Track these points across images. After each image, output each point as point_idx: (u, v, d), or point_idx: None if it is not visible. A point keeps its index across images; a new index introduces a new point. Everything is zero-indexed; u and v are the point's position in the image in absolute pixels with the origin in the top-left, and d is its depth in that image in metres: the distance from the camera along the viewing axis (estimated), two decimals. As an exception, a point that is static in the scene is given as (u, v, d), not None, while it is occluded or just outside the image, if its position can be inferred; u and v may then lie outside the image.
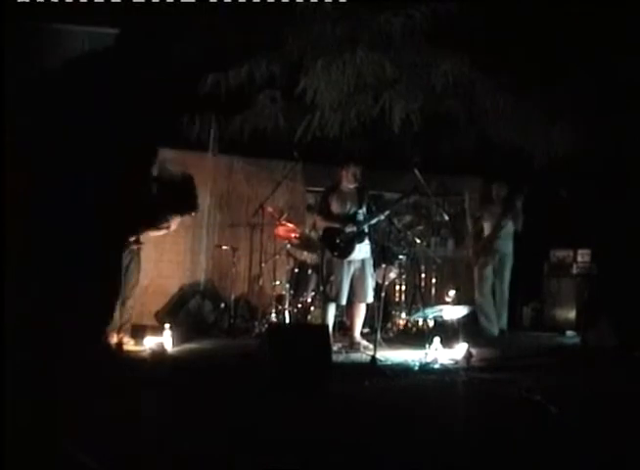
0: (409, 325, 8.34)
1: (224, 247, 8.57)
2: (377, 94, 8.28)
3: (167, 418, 4.43)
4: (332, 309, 7.13)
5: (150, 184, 6.83)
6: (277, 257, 8.31)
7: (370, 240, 7.08)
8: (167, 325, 6.75)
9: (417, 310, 8.04)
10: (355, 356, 6.77)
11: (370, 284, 7.12)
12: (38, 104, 5.69)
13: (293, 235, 8.01)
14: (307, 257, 8.42)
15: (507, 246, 8.25)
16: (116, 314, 6.93)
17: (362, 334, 7.31)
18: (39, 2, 6.94)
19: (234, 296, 8.29)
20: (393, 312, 8.27)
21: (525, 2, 8.03)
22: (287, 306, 7.86)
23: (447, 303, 7.09)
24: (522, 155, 8.70)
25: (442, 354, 6.44)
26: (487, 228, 8.33)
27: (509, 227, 8.21)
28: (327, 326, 6.50)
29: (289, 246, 8.19)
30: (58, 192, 5.54)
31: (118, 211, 5.74)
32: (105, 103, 5.95)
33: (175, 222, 7.13)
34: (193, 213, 7.42)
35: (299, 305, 8.01)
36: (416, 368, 6.10)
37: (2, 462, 3.26)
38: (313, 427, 4.28)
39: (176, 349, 6.72)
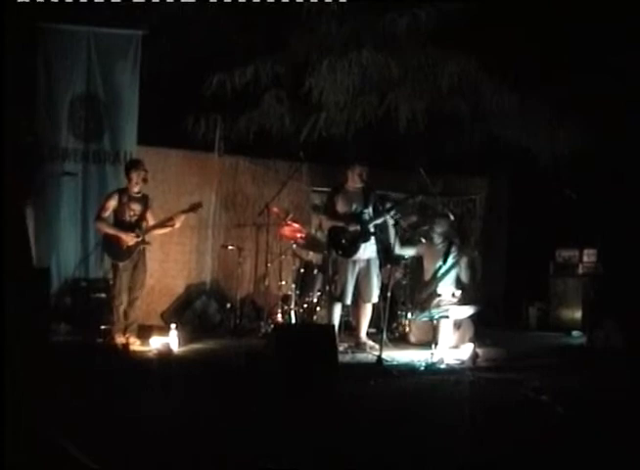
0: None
1: (230, 247, 8.57)
2: (382, 94, 8.29)
3: (171, 418, 4.44)
4: (338, 309, 7.13)
5: None
6: (283, 257, 8.30)
7: (376, 240, 7.08)
8: (173, 325, 6.77)
9: (423, 311, 8.02)
10: (361, 356, 6.78)
11: (375, 284, 7.11)
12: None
13: (298, 235, 8.00)
14: (313, 257, 8.42)
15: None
16: (122, 315, 6.96)
17: (368, 334, 7.31)
18: (39, 2, 6.97)
19: (240, 296, 8.29)
20: (399, 313, 8.26)
21: (529, 2, 8.03)
22: (293, 307, 7.85)
23: (453, 303, 7.07)
24: (527, 154, 8.69)
25: (448, 355, 6.45)
26: (427, 270, 7.47)
27: (452, 275, 7.32)
28: (333, 326, 6.48)
29: (294, 246, 8.18)
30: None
31: None
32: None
33: (180, 220, 7.15)
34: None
35: (305, 306, 8.00)
36: (422, 368, 6.11)
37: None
38: (319, 427, 4.29)
39: (182, 349, 6.73)
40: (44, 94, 7.99)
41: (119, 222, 7.01)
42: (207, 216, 8.79)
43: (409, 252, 7.65)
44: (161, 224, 7.12)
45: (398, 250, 7.30)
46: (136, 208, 7.04)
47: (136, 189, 7.06)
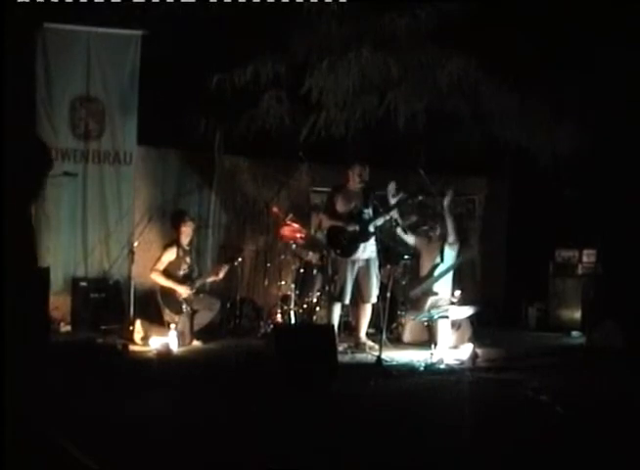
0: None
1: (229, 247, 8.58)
2: (382, 94, 8.28)
3: (171, 418, 4.44)
4: (337, 309, 7.14)
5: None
6: (282, 257, 8.31)
7: (376, 240, 7.07)
8: (173, 325, 6.77)
9: (417, 309, 8.01)
10: (361, 357, 6.79)
11: (375, 284, 7.11)
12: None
13: (298, 235, 8.00)
14: (313, 257, 8.42)
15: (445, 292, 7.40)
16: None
17: (367, 334, 7.31)
18: (39, 2, 6.97)
19: (239, 296, 8.29)
20: (399, 313, 8.26)
21: (529, 2, 8.03)
22: (292, 307, 7.85)
23: (453, 303, 7.06)
24: (527, 154, 8.68)
25: (448, 355, 6.45)
26: (425, 267, 7.55)
27: (450, 274, 7.41)
28: (332, 326, 6.50)
29: (294, 246, 8.18)
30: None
31: None
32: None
33: (223, 271, 7.46)
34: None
35: (305, 306, 7.99)
36: (421, 369, 6.11)
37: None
38: (318, 427, 4.29)
39: (182, 349, 6.74)
40: (44, 94, 7.98)
41: (173, 275, 7.19)
42: (207, 216, 8.79)
43: (409, 239, 7.64)
44: (209, 276, 7.59)
45: (401, 232, 7.40)
46: (188, 260, 7.31)
47: (187, 241, 7.29)
